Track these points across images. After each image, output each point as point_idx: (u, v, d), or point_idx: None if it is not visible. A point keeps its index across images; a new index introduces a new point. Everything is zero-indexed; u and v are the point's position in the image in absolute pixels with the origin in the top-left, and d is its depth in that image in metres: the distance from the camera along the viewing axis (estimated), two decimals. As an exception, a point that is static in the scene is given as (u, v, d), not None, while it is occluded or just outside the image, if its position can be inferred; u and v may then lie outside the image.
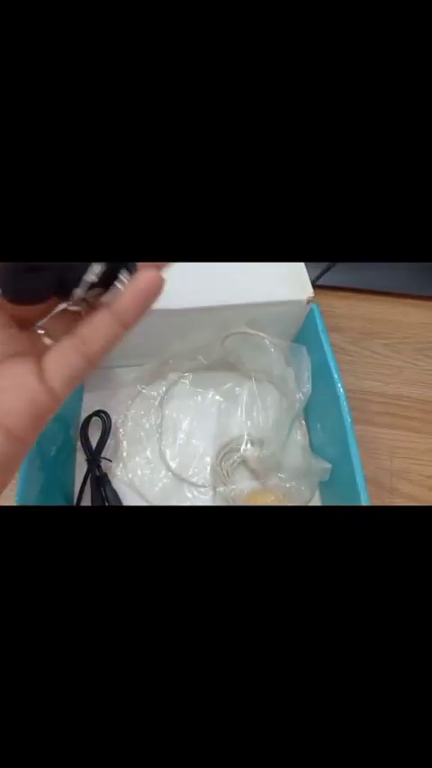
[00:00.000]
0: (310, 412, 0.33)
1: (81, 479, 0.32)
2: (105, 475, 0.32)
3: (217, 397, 0.36)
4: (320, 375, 0.29)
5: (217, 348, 0.35)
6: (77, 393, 0.36)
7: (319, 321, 0.30)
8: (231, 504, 0.28)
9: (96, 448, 0.33)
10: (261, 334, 0.31)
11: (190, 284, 0.33)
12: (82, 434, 0.34)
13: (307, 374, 0.29)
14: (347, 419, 0.26)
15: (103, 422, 0.34)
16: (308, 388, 0.28)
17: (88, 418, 0.35)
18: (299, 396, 0.28)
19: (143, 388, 0.37)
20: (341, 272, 0.39)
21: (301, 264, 0.34)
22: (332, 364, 0.28)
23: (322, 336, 0.29)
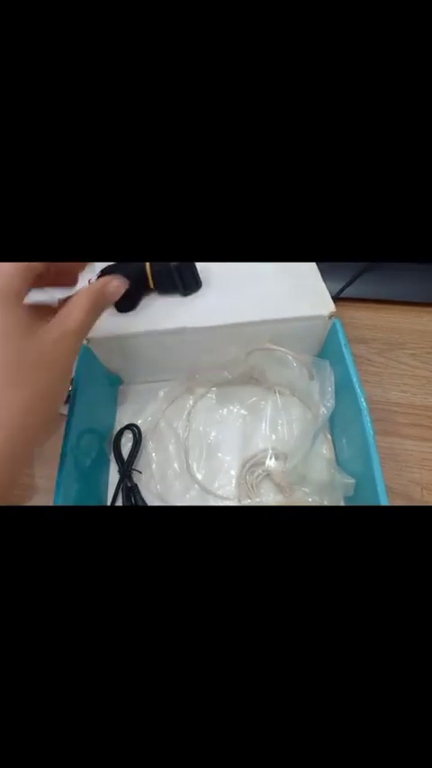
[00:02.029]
0: (335, 426, 0.33)
1: (113, 489, 0.34)
2: (136, 485, 0.33)
3: (242, 411, 0.37)
4: (344, 389, 0.29)
5: (241, 363, 0.36)
6: (111, 407, 0.38)
7: (341, 335, 0.30)
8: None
9: (128, 460, 0.34)
10: (283, 349, 0.32)
11: (215, 303, 0.35)
12: (115, 447, 0.36)
13: (330, 388, 0.29)
14: (370, 434, 0.26)
15: (134, 435, 0.36)
16: (331, 402, 0.29)
17: (121, 431, 0.36)
18: (322, 410, 0.29)
19: (171, 403, 0.38)
20: (366, 284, 0.39)
21: (321, 283, 0.34)
22: (355, 378, 0.28)
23: (345, 351, 0.29)
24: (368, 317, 0.43)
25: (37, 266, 0.20)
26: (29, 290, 0.20)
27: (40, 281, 0.21)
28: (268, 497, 0.31)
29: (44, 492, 0.37)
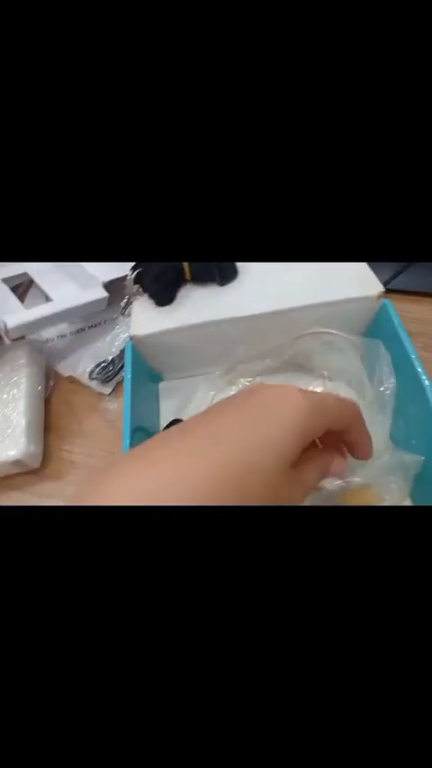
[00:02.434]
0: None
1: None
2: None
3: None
4: (400, 370, 0.29)
5: (285, 350, 0.35)
6: (155, 404, 0.38)
7: (394, 315, 0.30)
8: (324, 503, 0.28)
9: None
10: (333, 331, 0.32)
11: (254, 291, 0.34)
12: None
13: (388, 368, 0.29)
14: (436, 412, 0.26)
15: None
16: (392, 381, 0.29)
17: (167, 427, 0.36)
18: (384, 390, 0.29)
19: (216, 395, 0.38)
20: (411, 276, 0.38)
21: (364, 264, 0.34)
22: (413, 356, 0.28)
23: (400, 330, 0.29)
24: (417, 310, 0.41)
25: (311, 434, 0.18)
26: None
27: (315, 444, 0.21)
28: (327, 483, 0.31)
29: (83, 468, 0.37)
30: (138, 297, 0.35)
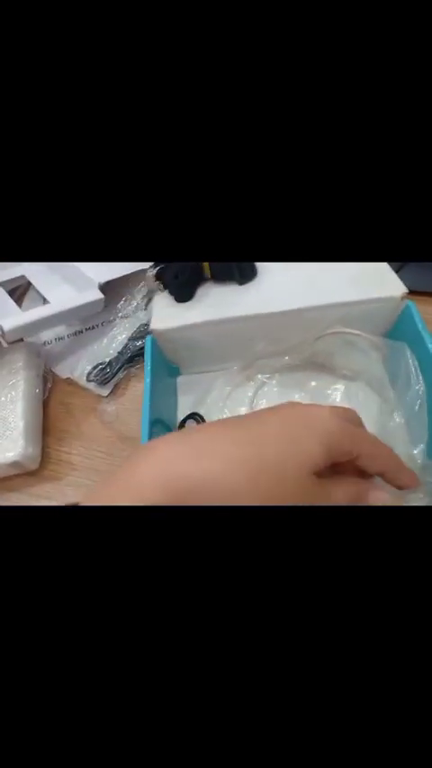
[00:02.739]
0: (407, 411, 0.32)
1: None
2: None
3: (306, 398, 0.36)
4: (424, 373, 0.29)
5: (305, 348, 0.35)
6: (173, 398, 0.38)
7: (417, 318, 0.29)
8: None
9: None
10: (356, 331, 0.31)
11: (273, 290, 0.34)
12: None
13: (415, 370, 0.28)
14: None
15: (197, 423, 0.36)
16: (421, 384, 0.28)
17: (184, 420, 0.37)
18: (413, 393, 0.28)
19: (233, 390, 0.38)
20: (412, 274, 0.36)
21: (386, 265, 0.33)
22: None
23: (423, 333, 0.29)
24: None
25: (337, 448, 0.19)
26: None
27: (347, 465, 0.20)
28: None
29: (81, 470, 0.38)
30: (158, 292, 0.36)
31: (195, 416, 0.37)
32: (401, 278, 0.31)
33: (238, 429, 0.19)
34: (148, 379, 0.32)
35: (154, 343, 0.34)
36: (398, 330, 0.32)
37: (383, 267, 0.32)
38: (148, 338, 0.34)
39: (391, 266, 0.32)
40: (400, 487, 0.21)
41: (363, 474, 0.21)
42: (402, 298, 0.31)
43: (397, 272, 0.32)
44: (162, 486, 0.17)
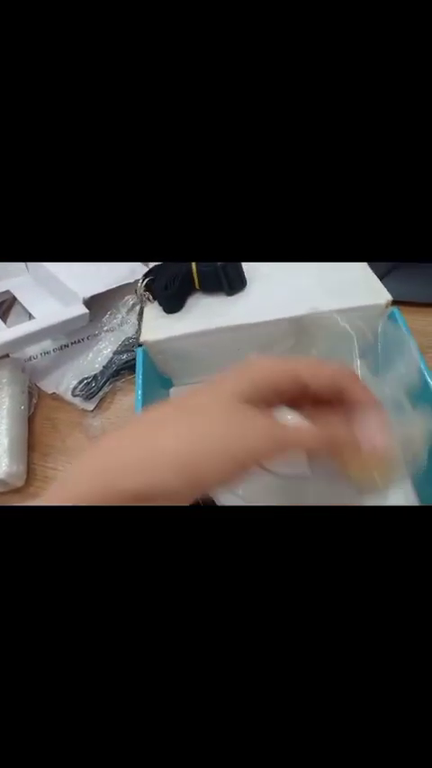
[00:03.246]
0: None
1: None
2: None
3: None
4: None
5: (287, 340, 0.35)
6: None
7: (403, 324, 0.31)
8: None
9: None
10: (335, 314, 0.30)
11: (262, 300, 0.35)
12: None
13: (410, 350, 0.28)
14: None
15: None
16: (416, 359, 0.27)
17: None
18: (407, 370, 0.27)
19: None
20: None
21: (370, 272, 0.34)
22: (422, 364, 0.28)
23: (407, 338, 0.30)
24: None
25: (264, 380, 0.19)
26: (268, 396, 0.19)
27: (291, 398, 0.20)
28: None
29: None
30: (148, 303, 0.36)
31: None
32: (385, 287, 0.33)
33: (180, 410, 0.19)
34: (139, 391, 0.31)
35: (145, 354, 0.33)
36: (383, 337, 0.33)
37: (368, 275, 0.34)
38: (139, 350, 0.33)
39: (375, 274, 0.34)
40: (357, 403, 0.20)
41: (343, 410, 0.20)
42: (387, 305, 0.32)
43: (381, 279, 0.33)
44: (97, 475, 0.17)
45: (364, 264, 0.35)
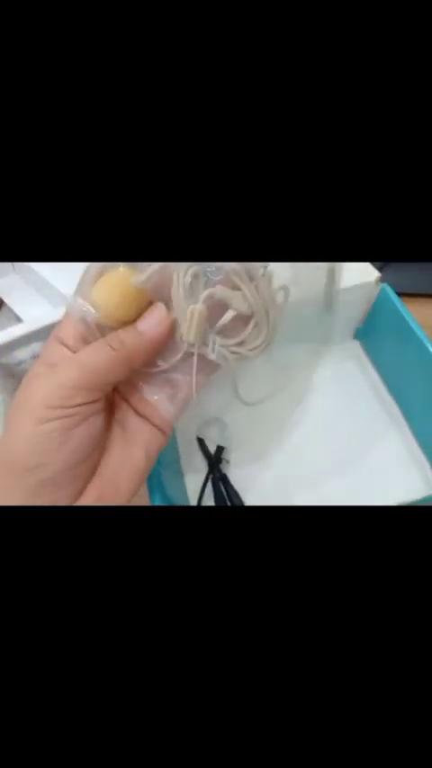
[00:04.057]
0: (412, 407, 0.34)
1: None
2: (225, 475, 0.33)
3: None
4: (409, 350, 0.32)
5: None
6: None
7: (396, 300, 0.32)
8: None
9: (215, 452, 0.35)
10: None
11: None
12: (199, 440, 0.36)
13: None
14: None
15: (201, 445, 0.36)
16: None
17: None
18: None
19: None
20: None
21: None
22: (419, 333, 0.30)
23: (402, 310, 0.31)
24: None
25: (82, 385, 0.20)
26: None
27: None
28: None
29: None
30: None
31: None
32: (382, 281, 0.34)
33: None
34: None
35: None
36: (376, 314, 0.36)
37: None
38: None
39: (373, 266, 0.35)
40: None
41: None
42: (377, 282, 0.34)
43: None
44: None
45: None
